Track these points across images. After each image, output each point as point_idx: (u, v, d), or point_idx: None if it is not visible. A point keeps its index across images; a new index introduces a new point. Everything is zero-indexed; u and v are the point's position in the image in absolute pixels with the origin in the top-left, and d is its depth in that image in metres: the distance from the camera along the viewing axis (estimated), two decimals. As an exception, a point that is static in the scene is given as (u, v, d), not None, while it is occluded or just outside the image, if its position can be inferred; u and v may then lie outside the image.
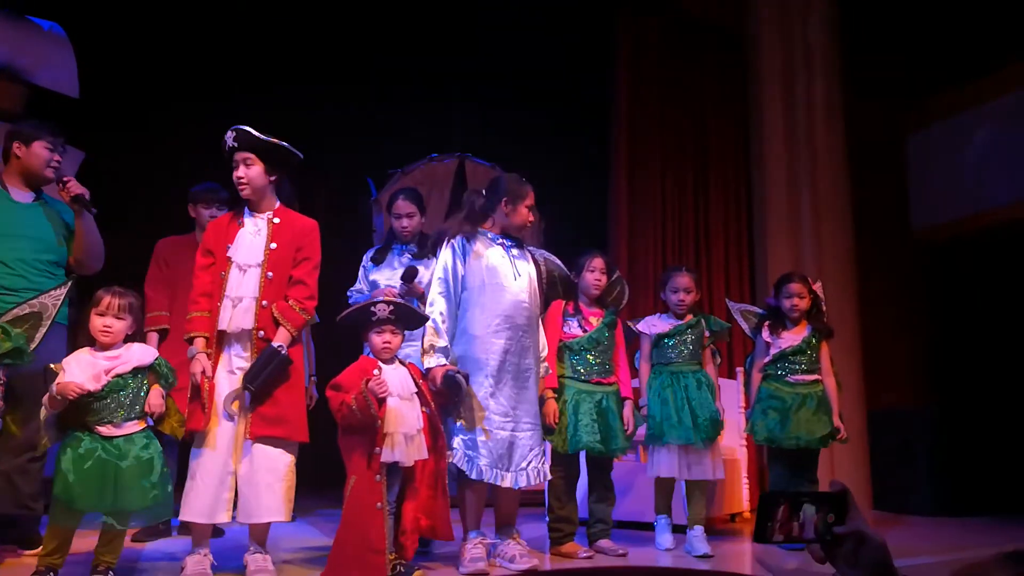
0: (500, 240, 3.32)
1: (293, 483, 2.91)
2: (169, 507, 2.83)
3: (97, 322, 2.78)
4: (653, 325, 3.82)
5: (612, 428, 3.51)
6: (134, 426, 2.76)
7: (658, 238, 5.76)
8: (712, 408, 3.65)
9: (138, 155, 4.97)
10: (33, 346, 2.85)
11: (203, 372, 2.86)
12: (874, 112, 6.04)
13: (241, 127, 2.96)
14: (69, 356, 2.79)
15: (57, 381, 2.66)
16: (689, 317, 3.80)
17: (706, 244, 5.82)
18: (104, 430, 2.72)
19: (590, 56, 5.91)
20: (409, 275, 3.39)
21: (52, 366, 2.76)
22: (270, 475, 2.85)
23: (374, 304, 2.96)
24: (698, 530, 3.56)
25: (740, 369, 4.43)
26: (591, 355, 3.59)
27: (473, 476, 3.08)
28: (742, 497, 4.73)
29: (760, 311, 4.04)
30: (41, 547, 2.75)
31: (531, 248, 3.47)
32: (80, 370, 2.73)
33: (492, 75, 5.62)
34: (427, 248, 3.59)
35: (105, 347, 2.80)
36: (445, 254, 3.26)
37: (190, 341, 2.94)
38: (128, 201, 4.97)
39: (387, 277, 3.55)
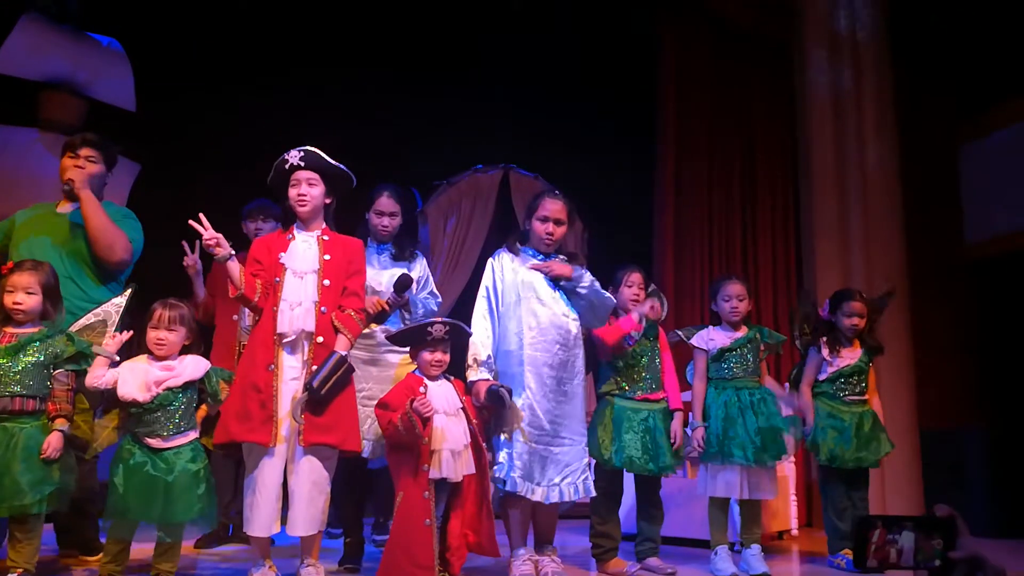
0: (539, 257, 3.34)
1: (329, 493, 2.93)
2: (214, 518, 2.90)
3: (151, 335, 2.85)
4: (711, 339, 3.70)
5: (660, 446, 3.46)
6: (182, 439, 2.82)
7: (704, 252, 5.70)
8: (780, 426, 3.56)
9: (194, 170, 5.06)
10: (107, 344, 2.90)
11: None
12: (927, 122, 5.91)
13: (310, 148, 3.04)
14: (126, 361, 2.86)
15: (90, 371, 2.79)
16: (745, 329, 3.72)
17: (754, 259, 5.74)
18: (153, 442, 2.79)
19: (635, 67, 5.88)
20: (402, 285, 3.35)
21: (94, 348, 2.83)
22: (315, 488, 2.88)
23: (431, 325, 3.01)
24: (755, 548, 3.50)
25: (786, 384, 4.35)
26: (635, 371, 3.56)
27: (507, 488, 3.10)
28: (789, 514, 4.65)
29: (813, 325, 3.93)
30: (102, 554, 2.81)
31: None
32: (133, 377, 2.80)
33: (536, 87, 5.62)
34: (405, 250, 3.57)
35: (160, 359, 2.86)
36: (487, 271, 3.35)
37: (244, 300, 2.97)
38: (183, 215, 5.08)
39: (368, 277, 3.43)
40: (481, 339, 3.21)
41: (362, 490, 3.46)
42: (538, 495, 3.10)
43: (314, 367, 2.87)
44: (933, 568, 1.09)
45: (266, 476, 2.84)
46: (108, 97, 4.93)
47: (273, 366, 2.88)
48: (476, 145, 5.70)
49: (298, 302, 2.94)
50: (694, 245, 5.70)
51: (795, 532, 4.69)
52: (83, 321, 2.98)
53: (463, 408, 3.02)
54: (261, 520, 2.83)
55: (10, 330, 2.80)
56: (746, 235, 5.80)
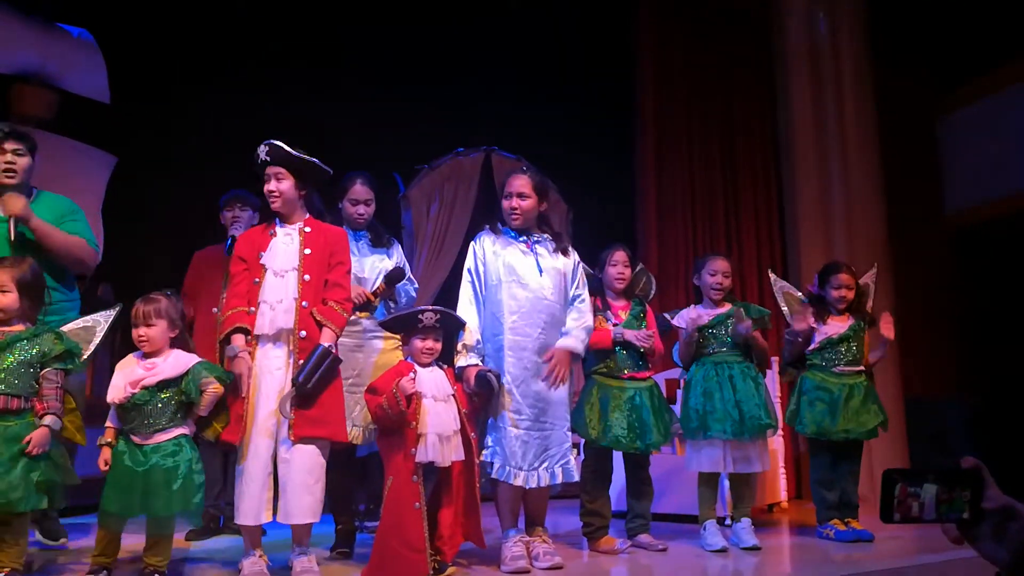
0: (522, 237, 3.31)
1: (324, 482, 2.94)
2: (197, 514, 2.90)
3: (134, 334, 2.85)
4: (691, 318, 3.72)
5: (646, 424, 3.48)
6: (162, 436, 2.81)
7: (688, 230, 5.72)
8: (760, 400, 3.59)
9: (170, 160, 4.99)
10: (85, 356, 2.90)
11: (248, 371, 2.87)
12: (906, 95, 5.94)
13: (274, 142, 2.99)
14: (122, 359, 2.88)
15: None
16: (727, 305, 3.74)
17: (736, 234, 5.76)
18: (136, 438, 2.79)
19: (613, 46, 5.86)
20: (394, 277, 3.34)
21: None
22: (309, 476, 2.88)
23: (422, 312, 3.02)
24: (745, 522, 3.54)
25: (776, 359, 4.38)
26: (621, 351, 3.57)
27: (492, 474, 3.13)
28: (779, 487, 4.70)
29: (802, 297, 3.96)
30: (94, 545, 2.84)
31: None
32: (119, 378, 2.81)
33: (515, 68, 5.58)
34: (382, 237, 3.56)
35: (148, 355, 2.85)
36: (469, 254, 3.32)
37: (226, 340, 2.93)
38: (158, 206, 5.02)
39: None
40: (469, 325, 3.20)
41: (352, 477, 3.46)
42: (519, 480, 3.12)
43: (300, 361, 2.86)
44: (960, 520, 1.08)
45: (252, 466, 2.84)
46: (81, 89, 4.84)
47: (252, 351, 2.90)
48: (458, 128, 5.66)
49: (279, 300, 2.93)
50: (677, 223, 5.72)
51: (785, 504, 4.74)
52: (72, 325, 2.95)
53: (453, 395, 3.02)
54: (246, 509, 2.83)
55: (-5, 328, 2.76)
56: (729, 212, 5.82)
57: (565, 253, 3.35)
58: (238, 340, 2.90)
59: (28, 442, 2.65)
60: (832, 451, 3.78)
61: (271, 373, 2.91)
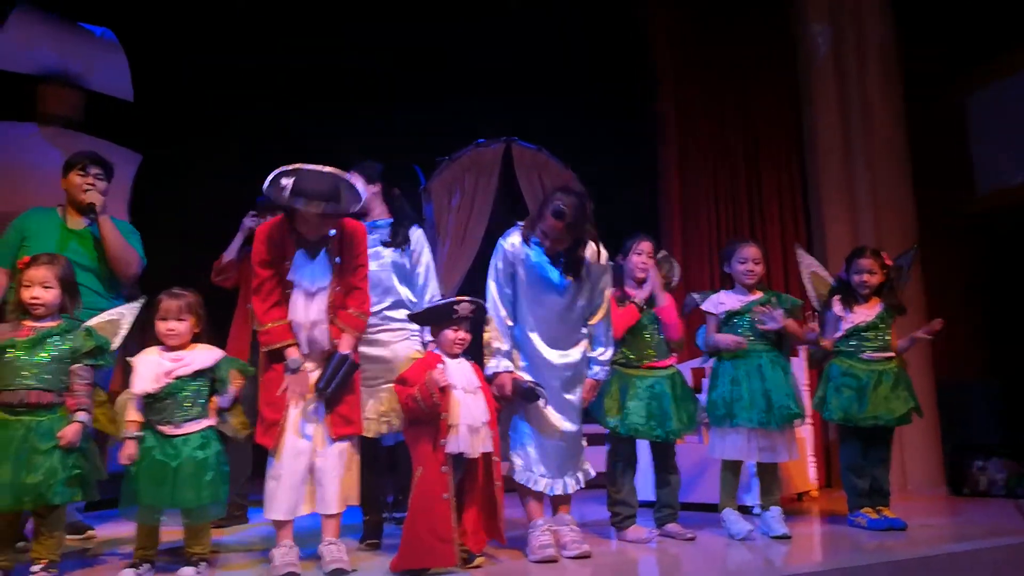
0: (547, 258, 3.23)
1: (358, 473, 3.01)
2: (223, 506, 2.93)
3: (161, 327, 2.88)
4: (720, 303, 3.69)
5: (667, 412, 3.47)
6: (193, 426, 2.84)
7: (712, 216, 5.66)
8: (788, 389, 3.55)
9: (195, 157, 5.03)
10: (113, 347, 2.97)
11: (304, 388, 2.91)
12: (932, 75, 5.82)
13: (299, 169, 2.83)
14: (139, 354, 2.89)
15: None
16: (758, 293, 3.70)
17: (761, 221, 5.68)
18: (165, 429, 2.82)
19: (631, 30, 5.78)
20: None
21: (128, 359, 2.88)
22: (341, 469, 2.94)
23: (458, 303, 3.02)
24: (775, 511, 3.52)
25: (804, 347, 4.33)
26: (640, 340, 3.56)
27: (515, 478, 3.20)
28: (809, 476, 4.66)
29: (832, 280, 3.89)
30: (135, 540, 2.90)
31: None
32: (146, 369, 2.84)
33: (533, 57, 5.55)
34: (399, 236, 3.47)
35: (171, 348, 2.88)
36: (498, 252, 3.28)
37: (275, 353, 2.92)
38: (185, 203, 5.07)
39: None
40: (499, 327, 3.21)
41: (380, 468, 3.48)
42: (542, 486, 3.19)
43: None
44: None
45: (292, 465, 2.88)
46: (105, 87, 4.89)
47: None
48: (477, 120, 5.64)
49: (313, 323, 2.93)
50: (700, 209, 5.66)
51: (815, 493, 4.70)
52: (98, 320, 3.01)
53: (481, 388, 3.04)
54: (282, 505, 2.87)
55: (28, 324, 2.80)
56: (752, 199, 5.74)
57: (591, 267, 3.27)
58: (295, 353, 2.91)
59: (61, 437, 2.70)
60: (861, 438, 3.74)
61: (301, 377, 2.93)
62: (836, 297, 3.80)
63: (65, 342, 2.81)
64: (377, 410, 3.25)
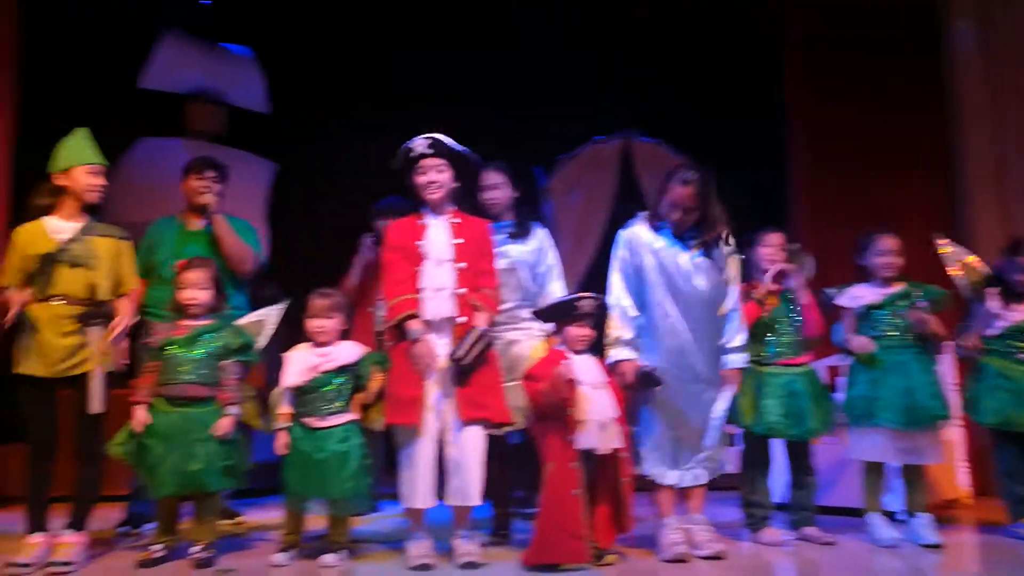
0: (679, 233, 3.21)
1: (484, 466, 3.02)
2: (366, 498, 3.05)
3: (311, 324, 3.04)
4: (858, 297, 3.52)
5: (804, 410, 3.34)
6: (337, 420, 2.98)
7: (845, 206, 5.35)
8: (934, 389, 3.35)
9: (325, 165, 5.25)
10: (259, 345, 3.16)
11: (431, 353, 2.95)
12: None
13: (436, 136, 3.10)
14: (291, 350, 3.07)
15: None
16: (898, 285, 3.50)
17: (900, 211, 5.33)
18: (310, 421, 2.96)
19: (758, 17, 5.56)
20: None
21: (281, 355, 3.06)
22: (472, 460, 2.97)
23: (580, 299, 3.03)
24: (924, 517, 3.32)
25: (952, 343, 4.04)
26: (773, 337, 3.43)
27: (644, 471, 3.14)
28: (960, 482, 4.35)
29: (986, 272, 3.63)
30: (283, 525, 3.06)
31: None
32: (294, 363, 3.02)
33: (651, 45, 5.44)
34: (523, 226, 3.48)
35: (320, 344, 3.04)
36: (620, 244, 3.27)
37: (399, 325, 3.01)
38: (316, 208, 5.31)
39: None
40: (623, 317, 3.18)
41: (507, 463, 3.51)
42: (671, 479, 3.12)
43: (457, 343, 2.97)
44: None
45: (424, 449, 2.94)
46: (244, 102, 5.20)
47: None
48: (595, 116, 5.60)
49: (438, 288, 3.02)
50: (831, 204, 5.36)
51: (968, 500, 4.38)
52: (245, 319, 3.21)
53: (608, 383, 3.03)
54: (418, 492, 2.94)
55: (184, 322, 3.02)
56: (889, 192, 5.39)
57: (721, 249, 3.23)
58: (416, 324, 2.98)
59: (216, 428, 2.90)
60: (1019, 442, 3.47)
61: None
62: (993, 291, 3.54)
63: (217, 339, 3.01)
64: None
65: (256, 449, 3.30)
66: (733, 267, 3.27)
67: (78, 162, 3.02)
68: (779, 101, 5.50)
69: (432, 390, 2.96)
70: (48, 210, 3.02)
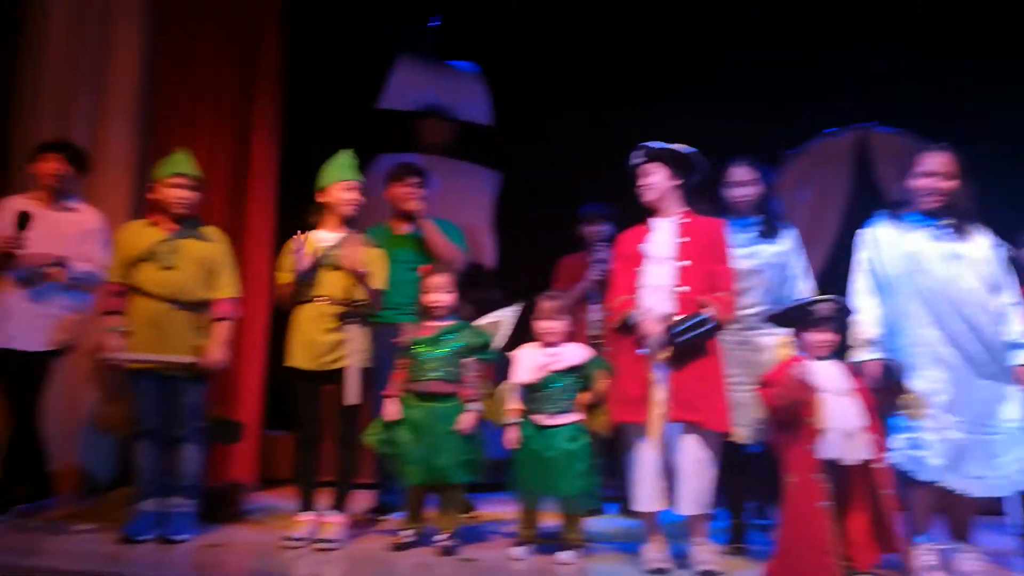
0: (930, 221, 3.01)
1: (714, 475, 2.94)
2: (595, 496, 3.07)
3: (540, 326, 3.13)
4: None
5: None
6: (564, 419, 3.04)
7: None
8: None
9: (543, 173, 5.38)
10: (496, 345, 3.30)
11: (654, 326, 2.91)
12: None
13: (645, 143, 3.13)
14: (519, 348, 3.18)
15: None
16: None
17: None
18: (540, 419, 3.05)
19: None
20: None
21: (509, 353, 3.19)
22: (697, 467, 2.91)
23: (818, 303, 2.91)
24: None
25: None
26: None
27: (920, 478, 2.86)
28: None
29: None
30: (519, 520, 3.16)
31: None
32: (524, 361, 3.12)
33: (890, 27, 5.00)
34: (772, 226, 3.35)
35: (548, 345, 3.12)
36: (863, 242, 3.15)
37: (622, 326, 3.05)
38: (531, 214, 5.45)
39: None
40: (868, 317, 3.02)
41: (742, 473, 3.40)
42: (955, 485, 2.85)
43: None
44: None
45: (643, 453, 2.94)
46: (469, 116, 5.47)
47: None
48: (827, 108, 5.26)
49: (657, 286, 3.00)
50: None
51: None
52: (483, 320, 3.36)
53: (854, 390, 2.85)
54: (643, 496, 2.94)
55: (430, 323, 3.23)
56: None
57: (976, 237, 3.01)
58: (633, 307, 3.00)
59: (460, 424, 3.07)
60: None
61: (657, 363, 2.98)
62: None
63: (459, 339, 3.18)
64: (747, 417, 3.16)
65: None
66: (997, 256, 3.01)
67: (334, 180, 3.34)
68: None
69: (657, 390, 2.94)
70: (316, 225, 3.36)
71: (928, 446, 2.86)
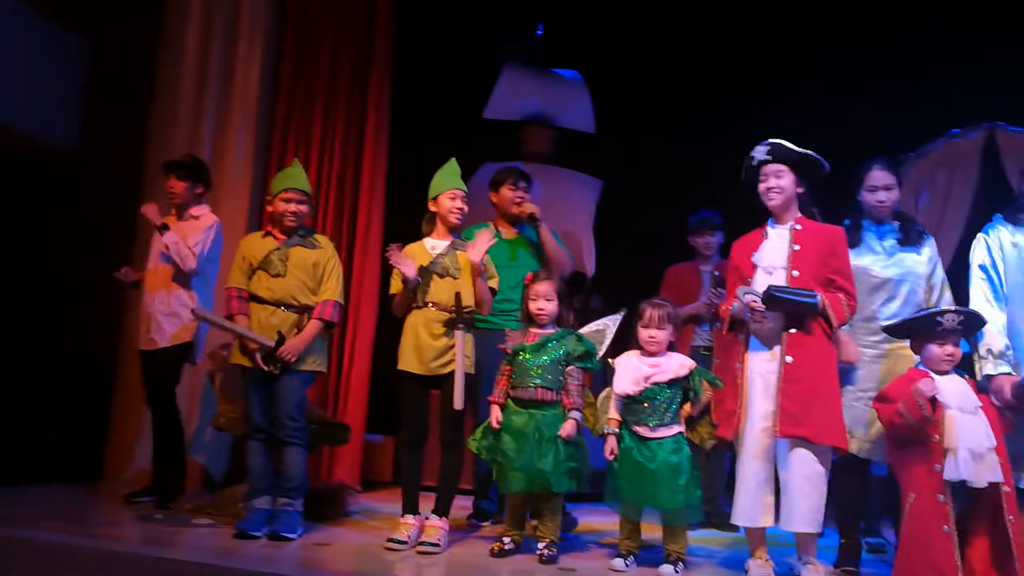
0: None
1: (825, 491, 2.84)
2: (698, 509, 3.00)
3: (643, 333, 3.07)
4: None
5: None
6: (666, 431, 2.98)
7: None
8: None
9: (650, 182, 5.32)
10: (599, 354, 3.27)
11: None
12: None
13: (775, 140, 3.02)
14: (620, 356, 3.14)
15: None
16: None
17: None
18: (640, 430, 2.99)
19: None
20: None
21: (610, 360, 3.15)
22: (807, 483, 2.81)
23: (941, 314, 2.77)
24: None
25: None
26: None
27: None
28: None
29: None
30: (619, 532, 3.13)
31: None
32: (625, 371, 3.06)
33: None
34: (911, 233, 3.21)
35: (650, 355, 3.06)
36: (979, 248, 3.01)
37: (728, 345, 3.03)
38: (639, 224, 5.40)
39: (869, 263, 3.18)
40: (993, 327, 2.85)
41: (858, 490, 3.24)
42: None
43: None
44: None
45: (748, 466, 2.88)
46: (573, 124, 5.47)
47: (739, 364, 2.97)
48: (952, 107, 4.97)
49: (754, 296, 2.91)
50: None
51: None
52: (586, 328, 3.35)
53: (982, 408, 2.69)
54: (743, 509, 2.88)
55: (534, 330, 3.23)
56: None
57: None
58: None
59: (562, 431, 3.04)
60: None
61: (762, 376, 2.90)
62: None
63: (560, 347, 3.17)
64: (877, 432, 3.03)
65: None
66: None
67: (441, 189, 3.40)
68: None
69: (756, 406, 2.87)
70: (428, 233, 3.43)
71: None
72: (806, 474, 2.81)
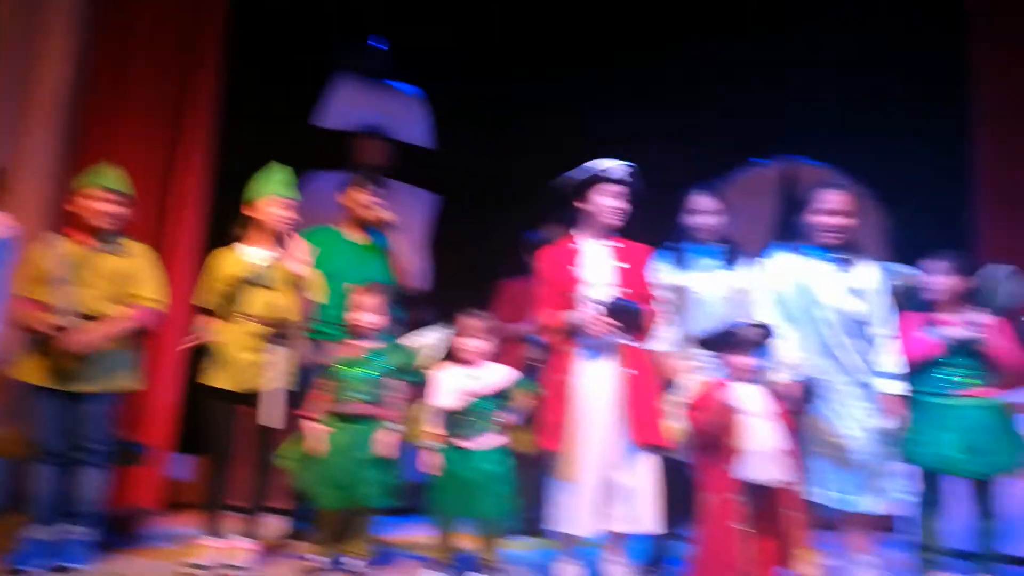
0: (828, 255, 3.22)
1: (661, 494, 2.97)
2: (515, 518, 3.06)
3: (462, 344, 3.09)
4: None
5: (986, 444, 3.11)
6: (487, 441, 3.01)
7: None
8: None
9: (484, 202, 5.37)
10: (425, 368, 3.22)
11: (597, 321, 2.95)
12: None
13: (633, 164, 3.15)
14: (439, 369, 3.12)
15: None
16: None
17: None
18: (462, 443, 3.01)
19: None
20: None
21: (429, 373, 3.14)
22: (653, 486, 2.95)
23: (742, 327, 2.98)
24: None
25: None
26: (955, 365, 3.20)
27: (811, 498, 3.04)
28: None
29: None
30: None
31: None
32: (447, 384, 3.07)
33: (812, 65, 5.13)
34: (734, 254, 3.43)
35: (470, 365, 3.09)
36: (762, 271, 3.33)
37: (556, 360, 3.06)
38: (473, 237, 5.43)
39: (693, 282, 3.38)
40: (788, 342, 3.14)
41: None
42: (833, 503, 3.04)
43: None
44: None
45: (575, 475, 2.92)
46: (410, 138, 5.46)
47: (565, 374, 3.02)
48: (755, 139, 5.37)
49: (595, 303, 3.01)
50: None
51: None
52: (412, 340, 3.29)
53: (776, 414, 2.92)
54: (572, 517, 2.92)
55: (355, 343, 3.16)
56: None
57: (868, 270, 3.23)
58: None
59: (377, 445, 3.00)
60: None
61: (599, 386, 2.99)
62: None
63: (385, 360, 3.12)
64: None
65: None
66: (886, 287, 3.21)
67: (265, 194, 3.27)
68: (960, 121, 4.98)
69: (591, 413, 2.94)
70: (240, 238, 3.26)
71: (817, 467, 3.03)
72: (654, 478, 2.95)
